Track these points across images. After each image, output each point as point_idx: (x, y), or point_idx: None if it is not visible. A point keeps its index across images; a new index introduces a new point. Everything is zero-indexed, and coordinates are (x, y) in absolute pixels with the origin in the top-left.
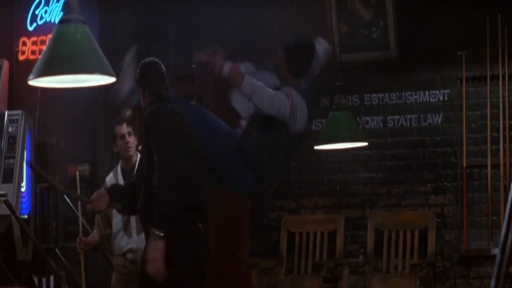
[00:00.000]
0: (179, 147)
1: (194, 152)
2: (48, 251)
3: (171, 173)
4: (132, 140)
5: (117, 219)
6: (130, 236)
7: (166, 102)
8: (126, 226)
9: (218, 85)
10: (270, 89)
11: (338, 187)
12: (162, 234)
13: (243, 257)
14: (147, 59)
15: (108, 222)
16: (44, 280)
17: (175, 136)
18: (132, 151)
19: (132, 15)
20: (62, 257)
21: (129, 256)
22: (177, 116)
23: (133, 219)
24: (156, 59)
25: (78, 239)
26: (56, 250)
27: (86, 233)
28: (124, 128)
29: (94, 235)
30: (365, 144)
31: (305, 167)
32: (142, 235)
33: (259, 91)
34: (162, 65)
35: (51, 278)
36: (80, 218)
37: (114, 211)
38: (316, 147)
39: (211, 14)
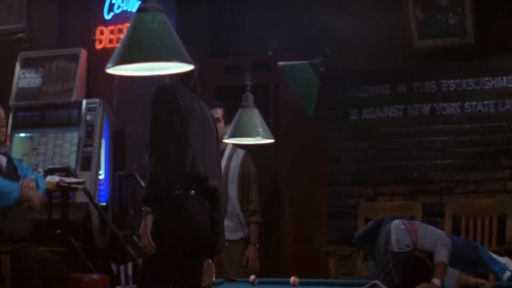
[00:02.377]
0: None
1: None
2: (126, 238)
3: (153, 147)
4: (221, 126)
5: None
6: None
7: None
8: None
9: None
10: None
11: (415, 174)
12: (148, 209)
13: (321, 245)
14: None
15: None
16: (122, 267)
17: (160, 110)
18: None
19: (209, 4)
20: (140, 245)
21: None
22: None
23: None
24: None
25: None
26: (134, 237)
27: None
28: (218, 112)
29: None
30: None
31: (382, 154)
32: None
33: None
34: None
35: (129, 265)
36: None
37: None
38: (225, 140)
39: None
